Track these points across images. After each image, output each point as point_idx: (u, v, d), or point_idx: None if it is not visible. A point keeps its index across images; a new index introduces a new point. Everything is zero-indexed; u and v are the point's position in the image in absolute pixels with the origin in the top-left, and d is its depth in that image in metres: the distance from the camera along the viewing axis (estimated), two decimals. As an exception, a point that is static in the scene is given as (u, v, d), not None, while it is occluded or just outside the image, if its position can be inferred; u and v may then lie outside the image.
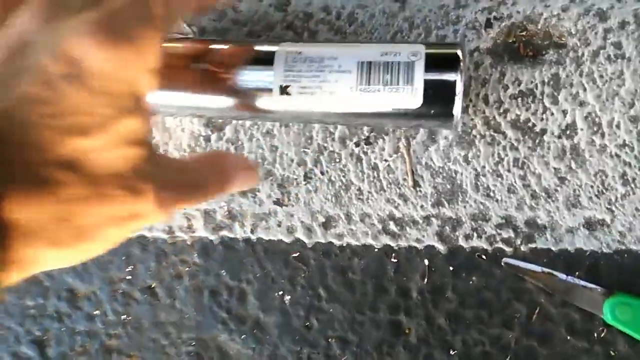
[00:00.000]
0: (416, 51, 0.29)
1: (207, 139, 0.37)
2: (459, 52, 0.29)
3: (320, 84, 0.30)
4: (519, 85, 0.34)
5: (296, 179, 0.36)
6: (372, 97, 0.29)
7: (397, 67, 0.29)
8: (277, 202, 0.37)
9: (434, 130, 0.35)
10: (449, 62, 0.29)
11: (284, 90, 0.30)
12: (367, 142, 0.36)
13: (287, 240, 0.36)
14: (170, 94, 0.32)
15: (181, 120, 0.38)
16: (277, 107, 0.31)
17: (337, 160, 0.36)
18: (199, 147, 0.37)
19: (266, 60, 0.30)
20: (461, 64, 0.29)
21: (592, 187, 0.33)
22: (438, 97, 0.29)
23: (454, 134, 0.34)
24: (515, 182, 0.34)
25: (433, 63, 0.29)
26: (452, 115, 0.29)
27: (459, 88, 0.29)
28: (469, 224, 0.34)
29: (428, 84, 0.29)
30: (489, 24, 0.35)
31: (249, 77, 0.31)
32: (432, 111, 0.29)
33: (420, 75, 0.29)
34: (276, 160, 0.37)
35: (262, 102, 0.31)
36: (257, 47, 0.32)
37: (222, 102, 0.32)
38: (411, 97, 0.29)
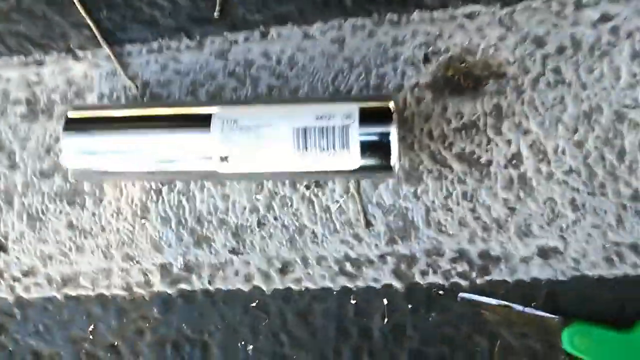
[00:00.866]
0: (350, 113, 0.29)
1: (159, 192, 0.37)
2: (392, 105, 0.30)
3: (258, 151, 0.30)
4: (461, 118, 0.35)
5: (250, 226, 0.36)
6: (310, 160, 0.30)
7: (332, 131, 0.29)
8: (233, 251, 0.36)
9: (382, 168, 0.35)
10: (383, 118, 0.30)
11: (223, 159, 0.31)
12: (318, 184, 0.36)
13: (245, 288, 0.36)
14: (113, 163, 0.32)
15: (131, 175, 0.38)
16: (219, 172, 0.31)
17: (289, 204, 0.36)
18: (150, 201, 0.37)
19: (202, 124, 0.31)
20: (394, 116, 0.30)
21: (542, 215, 0.33)
22: (375, 155, 0.29)
23: (397, 178, 0.35)
24: (465, 215, 0.34)
25: (367, 121, 0.29)
26: (391, 167, 0.29)
27: (395, 141, 0.29)
28: (423, 260, 0.34)
29: (364, 146, 0.29)
30: (427, 59, 0.35)
31: (188, 143, 0.31)
32: (371, 167, 0.30)
33: (355, 139, 0.29)
34: (229, 208, 0.37)
35: (203, 167, 0.31)
36: (194, 111, 0.32)
37: (164, 168, 0.32)
38: (348, 159, 0.29)
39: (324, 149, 0.29)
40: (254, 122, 0.30)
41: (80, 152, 0.32)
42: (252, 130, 0.30)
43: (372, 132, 0.29)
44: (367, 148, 0.29)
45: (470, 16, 0.36)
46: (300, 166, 0.30)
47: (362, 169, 0.30)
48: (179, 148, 0.31)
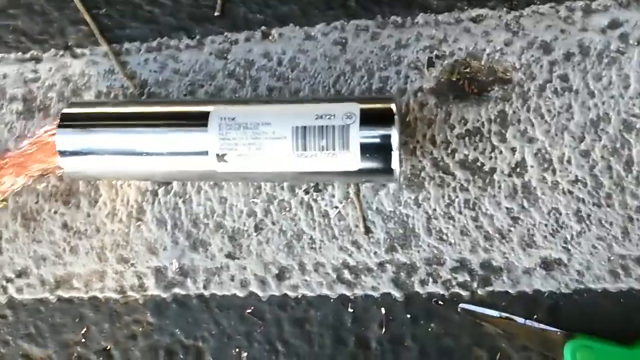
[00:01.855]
0: (351, 112, 0.29)
1: (155, 194, 0.37)
2: (393, 107, 0.29)
3: (256, 151, 0.30)
4: (465, 124, 0.34)
5: (247, 230, 0.36)
6: (309, 161, 0.30)
7: (332, 131, 0.29)
8: (229, 256, 0.36)
9: (383, 174, 0.35)
10: (384, 119, 0.29)
11: (221, 158, 0.30)
12: (317, 189, 0.35)
13: (241, 294, 0.36)
14: (109, 162, 0.32)
15: (127, 176, 0.37)
16: (216, 171, 0.31)
17: (287, 209, 0.36)
18: (146, 203, 0.37)
19: (200, 122, 0.30)
20: (396, 118, 0.29)
21: (546, 225, 0.33)
22: (375, 157, 0.29)
23: (398, 185, 0.34)
24: (467, 223, 0.34)
25: (368, 122, 0.29)
26: (392, 171, 0.29)
27: (396, 144, 0.29)
28: (423, 269, 0.34)
29: (364, 147, 0.29)
30: (431, 63, 0.35)
31: (185, 141, 0.31)
32: (371, 170, 0.29)
33: (356, 139, 0.29)
34: (226, 212, 0.36)
35: (200, 166, 0.31)
36: (191, 108, 0.31)
37: (160, 168, 0.32)
38: (349, 160, 0.29)
39: (323, 149, 0.29)
40: (253, 120, 0.30)
41: (75, 150, 0.32)
42: (250, 128, 0.30)
43: (373, 134, 0.29)
44: (367, 150, 0.29)
45: (476, 20, 0.35)
46: (299, 167, 0.30)
47: (362, 171, 0.29)
48: (176, 147, 0.31)
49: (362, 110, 0.29)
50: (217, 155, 0.30)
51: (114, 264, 0.38)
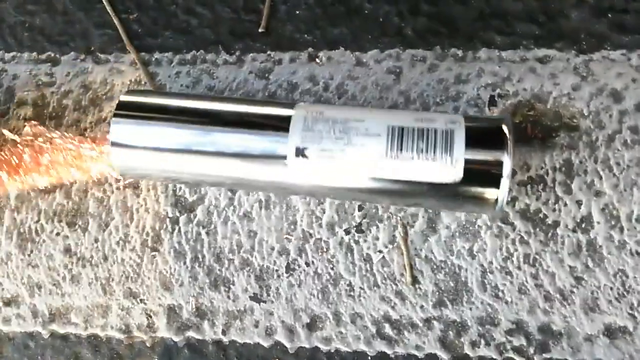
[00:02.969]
0: (455, 120, 0.26)
1: (175, 221, 0.33)
2: (505, 128, 0.26)
3: (344, 147, 0.26)
4: (527, 170, 0.31)
5: (277, 270, 0.32)
6: (404, 166, 0.26)
7: (433, 134, 0.26)
8: (255, 298, 0.32)
9: (433, 219, 0.32)
10: (494, 137, 0.26)
11: (300, 152, 0.26)
12: (359, 229, 0.32)
13: (265, 343, 0.32)
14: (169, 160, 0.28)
15: (145, 199, 0.33)
16: (291, 173, 0.27)
17: (325, 249, 0.32)
18: (164, 231, 0.33)
19: (281, 124, 0.27)
20: (509, 141, 0.26)
21: (611, 288, 0.30)
22: (481, 174, 0.25)
23: (485, 222, 0.31)
24: (526, 281, 0.31)
25: (476, 135, 0.26)
26: (496, 199, 0.26)
27: (507, 168, 0.25)
28: (475, 328, 0.31)
29: (470, 156, 0.25)
30: (492, 102, 0.32)
31: (260, 139, 0.27)
32: (473, 189, 0.26)
33: (460, 145, 0.25)
34: (254, 247, 0.33)
35: (273, 167, 0.27)
36: (271, 109, 0.28)
37: (223, 166, 0.28)
38: (450, 168, 0.25)
39: (422, 151, 0.25)
40: (344, 115, 0.27)
41: (132, 142, 0.28)
42: (339, 122, 0.26)
43: (481, 146, 0.25)
44: (473, 161, 0.25)
45: (542, 60, 0.33)
46: (392, 172, 0.26)
47: (461, 192, 0.25)
48: (250, 143, 0.27)
49: (469, 125, 0.26)
50: (297, 148, 0.26)
51: (121, 299, 0.33)
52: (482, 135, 0.26)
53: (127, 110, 0.28)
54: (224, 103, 0.29)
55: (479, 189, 0.25)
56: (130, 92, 0.30)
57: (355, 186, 0.27)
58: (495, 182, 0.25)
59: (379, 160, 0.26)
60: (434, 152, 0.25)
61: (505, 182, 0.25)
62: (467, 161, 0.25)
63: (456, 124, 0.26)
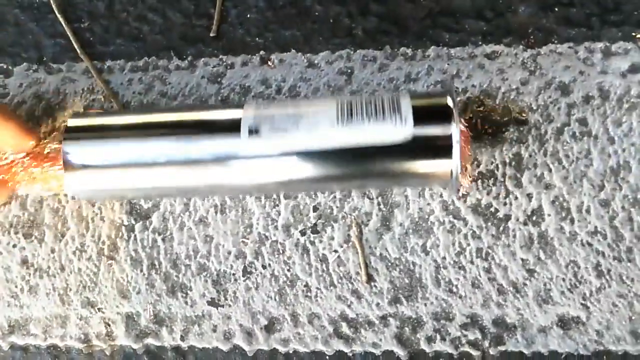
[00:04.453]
0: (400, 92, 0.29)
1: (131, 229, 0.34)
2: (449, 98, 0.27)
3: (295, 121, 0.27)
4: (478, 166, 0.32)
5: (234, 274, 0.33)
6: (355, 131, 0.26)
7: (380, 101, 0.27)
8: (212, 302, 0.33)
9: (387, 217, 0.32)
10: (439, 92, 0.28)
11: (253, 132, 0.27)
12: (314, 230, 0.33)
13: (224, 347, 0.32)
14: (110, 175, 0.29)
15: (100, 207, 0.34)
16: (244, 153, 0.27)
17: (281, 251, 0.33)
18: (120, 239, 0.33)
19: (234, 123, 0.28)
20: (453, 90, 0.28)
21: (563, 280, 0.31)
22: (431, 122, 0.26)
23: (450, 191, 0.32)
24: (479, 275, 0.31)
25: (421, 105, 0.27)
26: (451, 147, 0.26)
27: (455, 112, 0.26)
28: (430, 324, 0.31)
29: (418, 110, 0.27)
30: (443, 99, 0.33)
31: (214, 141, 0.27)
32: (426, 141, 0.26)
33: (407, 105, 0.27)
34: (211, 252, 0.33)
35: (226, 149, 0.27)
36: (221, 110, 0.29)
37: (178, 175, 0.28)
38: (400, 126, 0.26)
39: (371, 115, 0.26)
40: (294, 101, 0.28)
41: (84, 163, 0.28)
42: (290, 104, 0.28)
43: (427, 100, 0.27)
44: (421, 113, 0.26)
45: (490, 56, 0.34)
46: (344, 139, 0.27)
47: (415, 147, 0.26)
48: (201, 145, 0.27)
49: (413, 91, 0.28)
50: (250, 130, 0.27)
51: (79, 308, 0.34)
52: (427, 104, 0.27)
53: (75, 132, 0.29)
54: (173, 113, 0.30)
55: (432, 138, 0.26)
56: (76, 114, 0.30)
57: (310, 161, 0.27)
58: (446, 126, 0.26)
59: (330, 129, 0.26)
60: (383, 114, 0.27)
61: (455, 127, 0.26)
62: (415, 112, 0.26)
63: (401, 93, 0.28)
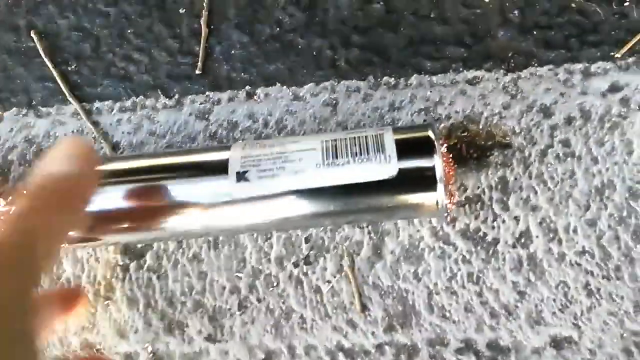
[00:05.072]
0: (383, 128, 0.29)
1: (126, 269, 0.34)
2: (431, 132, 0.28)
3: (282, 164, 0.28)
4: (464, 190, 0.33)
5: (229, 309, 0.33)
6: (341, 171, 0.27)
7: (364, 139, 0.28)
8: (209, 338, 0.33)
9: (378, 245, 0.32)
10: (420, 128, 0.29)
11: (241, 177, 0.28)
12: (307, 261, 0.33)
13: (222, 382, 0.32)
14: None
15: (94, 248, 0.34)
16: (234, 196, 0.28)
17: (275, 284, 0.33)
18: (116, 279, 0.34)
19: (220, 156, 0.29)
20: (435, 128, 0.29)
21: (554, 300, 0.31)
22: (415, 157, 0.27)
23: (438, 220, 0.33)
24: (471, 299, 0.32)
25: (403, 132, 0.28)
26: (435, 179, 0.27)
27: (438, 147, 0.27)
28: (426, 350, 0.32)
29: (401, 147, 0.27)
30: (428, 127, 0.33)
31: (203, 184, 0.28)
32: (410, 177, 0.27)
33: (391, 143, 0.28)
34: (206, 288, 0.33)
35: (216, 192, 0.28)
36: (209, 153, 0.30)
37: (170, 220, 0.29)
38: (385, 164, 0.27)
39: (356, 155, 0.27)
40: (279, 141, 0.29)
41: None
42: (276, 146, 0.28)
43: (410, 135, 0.28)
44: (404, 150, 0.27)
45: (472, 82, 0.34)
46: (330, 179, 0.27)
47: (400, 184, 0.27)
48: (191, 189, 0.28)
49: (396, 127, 0.29)
50: (238, 173, 0.28)
51: (78, 350, 0.34)
52: (409, 129, 0.29)
53: None
54: (160, 158, 0.30)
55: (416, 174, 0.27)
56: None
57: (299, 201, 0.28)
58: (429, 159, 0.27)
59: (316, 170, 0.27)
60: (367, 153, 0.28)
61: (438, 159, 0.27)
62: (399, 149, 0.27)
63: (384, 129, 0.29)
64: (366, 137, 0.28)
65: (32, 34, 0.38)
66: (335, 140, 0.29)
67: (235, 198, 0.28)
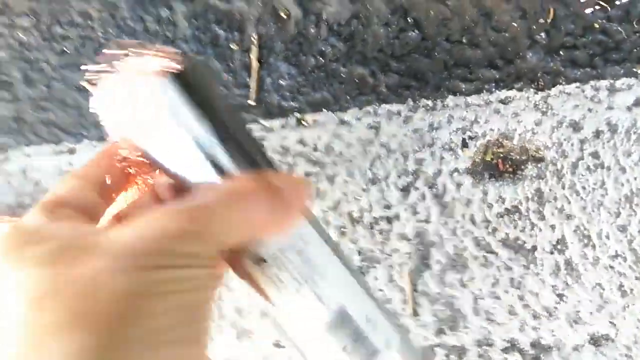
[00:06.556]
0: (390, 342, 0.25)
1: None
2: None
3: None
4: (503, 202, 0.36)
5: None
6: (332, 350, 0.24)
7: (364, 341, 0.24)
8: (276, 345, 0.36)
9: (425, 255, 0.36)
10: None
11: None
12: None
13: (287, 384, 0.36)
14: None
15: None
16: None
17: (331, 293, 0.36)
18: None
19: None
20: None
21: (591, 301, 0.34)
22: None
23: (471, 253, 0.35)
24: (514, 303, 0.34)
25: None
26: None
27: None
28: (474, 350, 0.35)
29: None
30: (464, 144, 0.37)
31: None
32: None
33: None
34: (268, 299, 0.37)
35: None
36: None
37: None
38: None
39: (344, 349, 0.24)
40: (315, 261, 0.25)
41: None
42: (307, 265, 0.24)
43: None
44: None
45: (505, 101, 0.37)
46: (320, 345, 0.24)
47: None
48: None
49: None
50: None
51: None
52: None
53: None
54: None
55: None
56: None
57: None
58: None
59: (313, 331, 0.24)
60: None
61: None
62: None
63: (390, 346, 0.25)
64: (368, 341, 0.24)
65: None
66: (350, 317, 0.24)
67: None
